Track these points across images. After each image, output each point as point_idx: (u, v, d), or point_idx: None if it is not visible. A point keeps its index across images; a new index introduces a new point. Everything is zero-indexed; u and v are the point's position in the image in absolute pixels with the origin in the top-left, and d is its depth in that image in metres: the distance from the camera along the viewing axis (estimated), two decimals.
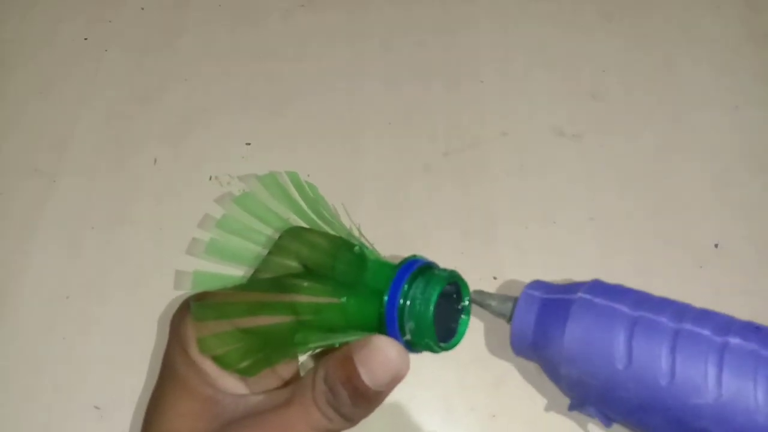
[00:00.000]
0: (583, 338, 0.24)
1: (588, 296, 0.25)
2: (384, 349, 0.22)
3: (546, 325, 0.26)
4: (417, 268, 0.24)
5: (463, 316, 0.26)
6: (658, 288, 0.41)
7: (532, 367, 0.37)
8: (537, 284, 0.27)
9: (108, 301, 0.41)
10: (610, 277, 0.42)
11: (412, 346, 0.24)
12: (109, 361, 0.39)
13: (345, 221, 0.26)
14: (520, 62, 0.51)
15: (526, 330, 0.26)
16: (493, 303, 0.27)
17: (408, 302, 0.23)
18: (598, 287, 0.26)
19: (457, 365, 0.39)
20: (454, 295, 0.26)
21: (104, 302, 0.41)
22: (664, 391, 0.23)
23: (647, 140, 0.47)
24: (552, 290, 0.27)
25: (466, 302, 0.26)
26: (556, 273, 0.42)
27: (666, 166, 0.46)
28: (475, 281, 0.41)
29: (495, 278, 0.41)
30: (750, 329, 0.23)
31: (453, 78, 0.50)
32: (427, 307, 0.23)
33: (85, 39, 0.54)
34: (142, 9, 0.55)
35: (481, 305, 0.26)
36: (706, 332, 0.23)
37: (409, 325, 0.23)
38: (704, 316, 0.24)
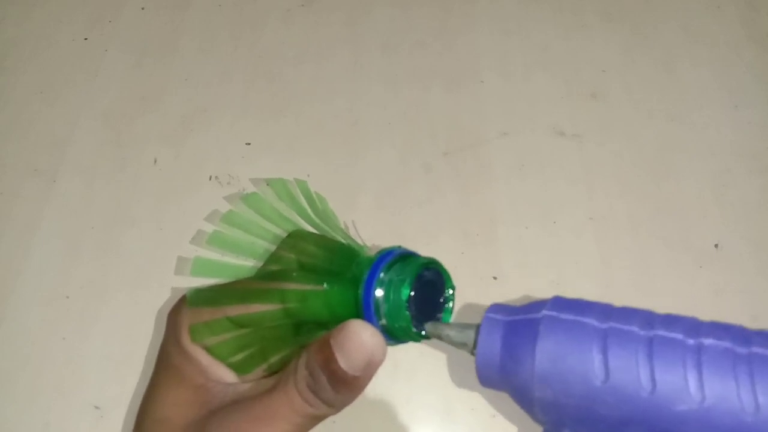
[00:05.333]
0: (555, 356, 0.23)
1: (554, 313, 0.24)
2: (358, 333, 0.22)
3: (514, 347, 0.25)
4: (398, 256, 0.24)
5: (447, 306, 0.26)
6: (658, 288, 0.42)
7: None
8: (497, 308, 0.26)
9: (108, 300, 0.41)
10: (610, 278, 0.42)
11: (391, 334, 0.24)
12: (109, 361, 0.39)
13: (353, 234, 0.27)
14: (520, 62, 0.51)
15: (492, 356, 0.25)
16: (452, 333, 0.25)
17: (384, 286, 0.23)
18: (560, 303, 0.25)
19: (457, 365, 0.39)
20: (440, 287, 0.26)
21: (104, 302, 0.41)
22: (647, 401, 0.22)
23: (647, 140, 0.47)
24: (514, 312, 0.26)
25: (450, 291, 0.26)
26: (556, 273, 0.42)
27: (666, 166, 0.46)
28: (475, 281, 0.41)
29: (495, 278, 0.41)
30: (719, 328, 0.23)
31: (453, 78, 0.50)
32: (400, 289, 0.23)
33: (85, 39, 0.54)
34: (142, 9, 0.55)
35: (439, 337, 0.25)
36: (679, 336, 0.22)
37: (384, 309, 0.23)
38: (671, 320, 0.23)
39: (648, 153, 0.47)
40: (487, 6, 0.54)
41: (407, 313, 0.23)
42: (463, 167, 0.46)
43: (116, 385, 0.38)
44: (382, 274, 0.23)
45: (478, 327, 0.26)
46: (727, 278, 0.41)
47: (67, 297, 0.41)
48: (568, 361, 0.23)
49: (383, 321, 0.23)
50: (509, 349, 0.25)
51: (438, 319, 0.26)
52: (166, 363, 0.25)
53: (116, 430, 0.37)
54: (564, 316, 0.24)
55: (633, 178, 0.46)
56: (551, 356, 0.23)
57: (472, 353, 0.26)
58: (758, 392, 0.21)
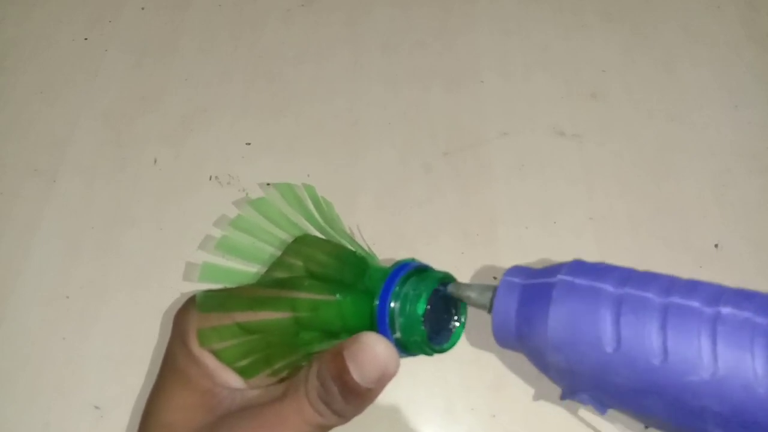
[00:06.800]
0: (567, 323, 0.23)
1: (569, 278, 0.24)
2: (372, 345, 0.22)
3: (528, 312, 0.24)
4: (413, 269, 0.24)
5: (460, 319, 0.26)
6: None
7: (531, 367, 0.37)
8: (517, 270, 0.26)
9: (108, 300, 0.41)
10: None
11: (404, 347, 0.24)
12: (109, 361, 0.39)
13: (358, 240, 0.27)
14: (521, 62, 0.51)
15: (508, 320, 0.25)
16: (473, 294, 0.25)
17: (399, 300, 0.23)
18: (578, 267, 0.24)
19: (457, 365, 0.39)
20: (453, 300, 0.26)
21: (104, 302, 0.41)
22: (658, 371, 0.21)
23: (647, 140, 0.47)
24: (532, 275, 0.25)
25: (462, 304, 0.26)
26: None
27: (666, 166, 0.46)
28: (476, 281, 0.41)
29: (495, 278, 0.41)
30: (742, 296, 0.22)
31: (453, 78, 0.50)
32: (416, 304, 0.23)
33: (85, 39, 0.54)
34: (142, 9, 0.55)
35: (460, 297, 0.25)
36: (695, 304, 0.22)
37: (399, 323, 0.23)
38: (693, 287, 0.23)
39: (648, 153, 0.47)
40: (487, 6, 0.54)
41: (423, 327, 0.23)
42: (463, 167, 0.46)
43: (116, 385, 0.38)
44: (397, 288, 0.23)
45: (495, 289, 0.25)
46: (727, 278, 0.41)
47: (67, 297, 0.41)
48: (580, 328, 0.23)
49: (397, 334, 0.23)
50: (524, 313, 0.24)
51: (450, 332, 0.26)
52: (172, 366, 0.25)
53: (116, 430, 0.37)
54: (579, 281, 0.24)
55: (633, 178, 0.46)
56: (564, 323, 0.23)
57: (490, 313, 0.25)
58: None
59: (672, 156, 0.46)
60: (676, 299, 0.22)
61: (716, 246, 0.43)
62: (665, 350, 0.21)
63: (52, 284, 0.42)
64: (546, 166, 0.46)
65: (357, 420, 0.38)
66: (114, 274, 0.42)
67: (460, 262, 0.42)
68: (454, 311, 0.26)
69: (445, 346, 0.25)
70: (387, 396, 0.38)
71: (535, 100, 0.49)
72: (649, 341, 0.22)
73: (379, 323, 0.23)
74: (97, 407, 0.38)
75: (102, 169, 0.47)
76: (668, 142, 0.47)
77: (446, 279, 0.25)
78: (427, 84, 0.50)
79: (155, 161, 0.47)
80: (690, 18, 0.53)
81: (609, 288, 0.23)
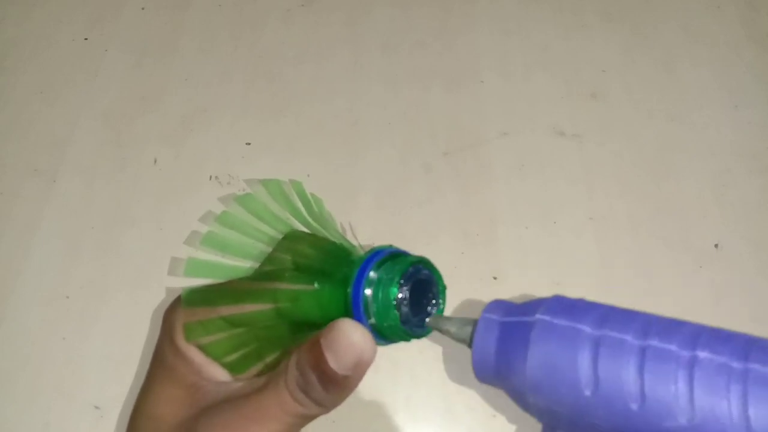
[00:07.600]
0: (546, 364, 0.23)
1: (547, 317, 0.24)
2: (347, 332, 0.22)
3: (507, 351, 0.24)
4: (387, 255, 0.24)
5: (438, 305, 0.25)
6: (658, 288, 0.42)
7: None
8: (495, 305, 0.26)
9: (108, 301, 0.41)
10: (610, 278, 0.42)
11: (380, 333, 0.24)
12: (109, 361, 0.39)
13: (350, 236, 0.27)
14: (521, 62, 0.51)
15: (487, 357, 0.25)
16: (452, 329, 0.25)
17: (373, 286, 0.23)
18: (557, 305, 0.25)
19: (457, 365, 0.39)
20: (432, 286, 0.26)
21: (104, 302, 0.41)
22: (636, 415, 0.21)
23: (647, 140, 0.47)
24: (511, 312, 0.25)
25: (440, 290, 0.26)
26: (556, 273, 0.42)
27: (666, 166, 0.46)
28: (475, 281, 0.41)
29: (495, 278, 0.41)
30: (720, 339, 0.22)
31: (453, 78, 0.50)
32: (388, 288, 0.23)
33: (85, 39, 0.54)
34: (142, 9, 0.55)
35: (440, 331, 0.25)
36: (673, 347, 0.22)
37: (373, 308, 0.23)
38: (671, 328, 0.23)
39: (648, 153, 0.47)
40: (487, 6, 0.54)
41: (396, 312, 0.23)
42: (463, 167, 0.46)
43: (116, 385, 0.38)
44: (371, 273, 0.23)
45: (476, 324, 0.25)
46: (727, 278, 0.41)
47: (67, 297, 0.41)
48: (559, 370, 0.23)
49: (372, 320, 0.23)
50: (503, 352, 0.25)
51: (429, 316, 0.25)
52: (161, 361, 0.25)
53: (116, 430, 0.37)
54: (557, 321, 0.24)
55: (633, 178, 0.46)
56: (542, 364, 0.23)
57: (470, 347, 0.26)
58: (750, 412, 0.20)
59: (672, 156, 0.46)
60: (654, 342, 0.22)
61: (716, 246, 0.43)
62: (643, 395, 0.21)
63: (52, 284, 0.42)
64: (546, 166, 0.46)
65: (357, 419, 0.39)
66: (114, 274, 0.42)
67: (460, 262, 0.42)
68: (431, 296, 0.25)
69: (423, 332, 0.25)
70: (386, 395, 0.38)
71: (535, 100, 0.49)
72: (626, 385, 0.22)
73: (354, 310, 0.23)
74: (97, 407, 0.38)
75: (102, 169, 0.47)
76: (668, 142, 0.47)
77: (420, 262, 0.25)
78: (427, 84, 0.50)
79: (155, 161, 0.47)
80: (690, 18, 0.53)
81: (587, 329, 0.23)
